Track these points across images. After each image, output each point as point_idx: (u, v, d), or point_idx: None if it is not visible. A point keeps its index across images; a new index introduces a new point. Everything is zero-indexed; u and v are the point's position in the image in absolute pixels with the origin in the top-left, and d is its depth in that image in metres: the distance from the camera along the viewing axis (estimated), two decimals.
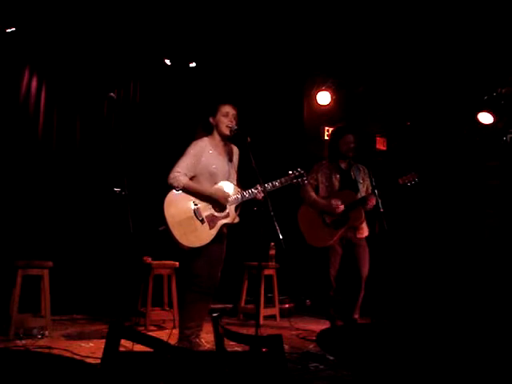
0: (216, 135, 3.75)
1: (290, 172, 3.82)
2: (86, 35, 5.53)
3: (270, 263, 5.57)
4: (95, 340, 4.19)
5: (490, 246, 5.90)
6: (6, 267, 4.41)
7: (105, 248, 5.55)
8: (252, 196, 3.62)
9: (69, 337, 4.33)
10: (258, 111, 6.38)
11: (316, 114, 6.85)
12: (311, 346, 4.23)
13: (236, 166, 3.85)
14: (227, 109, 3.71)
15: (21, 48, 5.31)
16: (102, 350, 1.71)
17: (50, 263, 4.38)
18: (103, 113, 5.86)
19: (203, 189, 3.57)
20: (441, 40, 5.59)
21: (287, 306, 5.96)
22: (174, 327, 4.59)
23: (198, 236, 3.52)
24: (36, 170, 5.37)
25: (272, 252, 5.62)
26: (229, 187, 3.67)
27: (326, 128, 6.80)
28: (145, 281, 4.93)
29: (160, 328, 4.90)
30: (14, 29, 5.08)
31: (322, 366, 3.54)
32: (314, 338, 4.47)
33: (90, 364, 3.00)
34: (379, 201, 4.11)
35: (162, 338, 2.49)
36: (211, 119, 3.74)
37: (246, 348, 1.88)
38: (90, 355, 3.61)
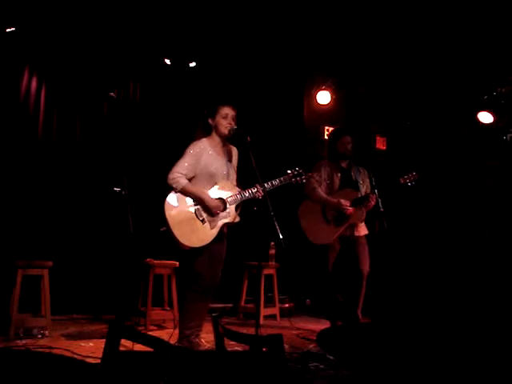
0: (215, 136, 3.75)
1: (289, 171, 3.84)
2: (86, 35, 5.53)
3: (270, 263, 5.57)
4: (95, 340, 4.19)
5: (490, 246, 5.90)
6: (6, 267, 4.41)
7: (105, 248, 5.54)
8: (252, 196, 3.62)
9: (69, 337, 4.33)
10: (258, 111, 6.37)
11: (316, 114, 6.85)
12: (311, 346, 4.23)
13: (235, 167, 3.85)
14: (226, 110, 3.70)
15: (21, 48, 5.31)
16: (101, 350, 1.71)
17: (50, 263, 4.37)
18: (103, 113, 5.85)
19: (199, 194, 3.56)
20: (441, 40, 5.60)
21: (287, 305, 5.96)
22: (175, 327, 4.59)
23: (199, 236, 3.52)
24: (36, 170, 5.37)
25: (272, 252, 5.62)
26: (227, 190, 3.67)
27: (326, 128, 6.81)
28: (145, 280, 4.94)
29: (160, 328, 4.90)
30: (13, 29, 5.08)
31: (322, 366, 3.53)
32: (314, 337, 4.47)
33: (90, 364, 3.00)
34: (379, 200, 4.14)
35: (162, 337, 2.49)
36: (210, 120, 3.74)
37: (246, 348, 1.88)
38: (90, 355, 3.60)
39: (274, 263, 5.58)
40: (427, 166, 5.97)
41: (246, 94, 6.30)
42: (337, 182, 4.51)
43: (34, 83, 5.45)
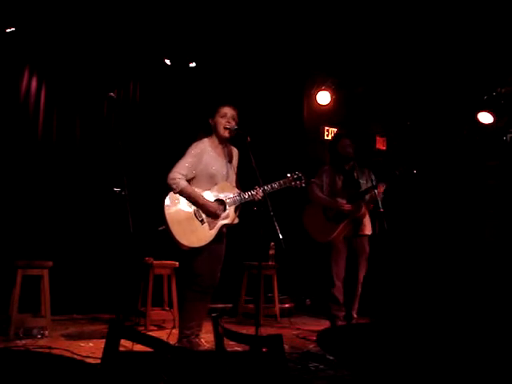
0: (215, 137, 3.75)
1: (289, 175, 3.84)
2: (86, 35, 5.53)
3: (270, 263, 5.57)
4: (95, 340, 4.19)
5: (490, 246, 5.90)
6: (6, 267, 4.41)
7: (105, 248, 5.55)
8: (251, 198, 3.62)
9: (69, 337, 4.33)
10: (258, 111, 6.37)
11: (316, 114, 6.86)
12: (311, 346, 4.23)
13: (235, 168, 3.85)
14: (225, 110, 3.70)
15: (21, 48, 5.31)
16: (101, 350, 1.71)
17: (50, 263, 4.38)
18: (103, 113, 5.85)
19: (198, 198, 3.55)
20: (441, 40, 5.60)
21: (287, 305, 5.96)
22: (174, 327, 4.59)
23: (198, 236, 3.52)
24: (36, 170, 5.37)
25: (272, 252, 5.62)
26: (227, 191, 3.66)
27: (326, 128, 6.82)
28: (145, 281, 4.94)
29: (160, 328, 4.90)
30: (13, 29, 5.08)
31: (322, 366, 3.54)
32: (314, 337, 4.48)
33: (90, 364, 3.00)
34: (379, 200, 4.18)
35: (161, 337, 2.49)
36: (210, 120, 3.75)
37: (246, 348, 1.88)
38: (90, 355, 3.61)
39: (273, 263, 5.58)
40: (427, 166, 5.97)
41: (245, 95, 6.30)
42: (339, 183, 4.67)
43: (33, 83, 5.45)
